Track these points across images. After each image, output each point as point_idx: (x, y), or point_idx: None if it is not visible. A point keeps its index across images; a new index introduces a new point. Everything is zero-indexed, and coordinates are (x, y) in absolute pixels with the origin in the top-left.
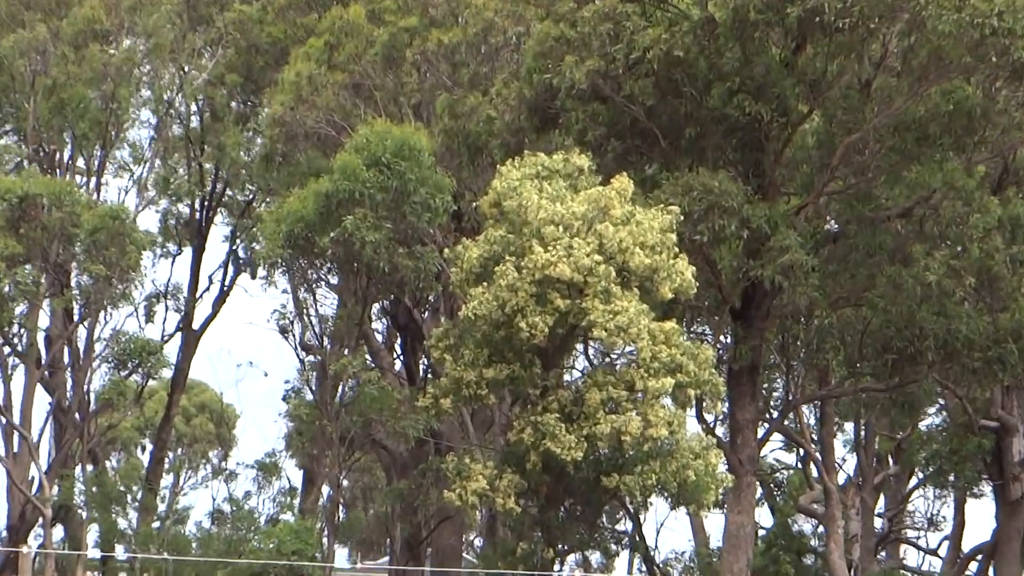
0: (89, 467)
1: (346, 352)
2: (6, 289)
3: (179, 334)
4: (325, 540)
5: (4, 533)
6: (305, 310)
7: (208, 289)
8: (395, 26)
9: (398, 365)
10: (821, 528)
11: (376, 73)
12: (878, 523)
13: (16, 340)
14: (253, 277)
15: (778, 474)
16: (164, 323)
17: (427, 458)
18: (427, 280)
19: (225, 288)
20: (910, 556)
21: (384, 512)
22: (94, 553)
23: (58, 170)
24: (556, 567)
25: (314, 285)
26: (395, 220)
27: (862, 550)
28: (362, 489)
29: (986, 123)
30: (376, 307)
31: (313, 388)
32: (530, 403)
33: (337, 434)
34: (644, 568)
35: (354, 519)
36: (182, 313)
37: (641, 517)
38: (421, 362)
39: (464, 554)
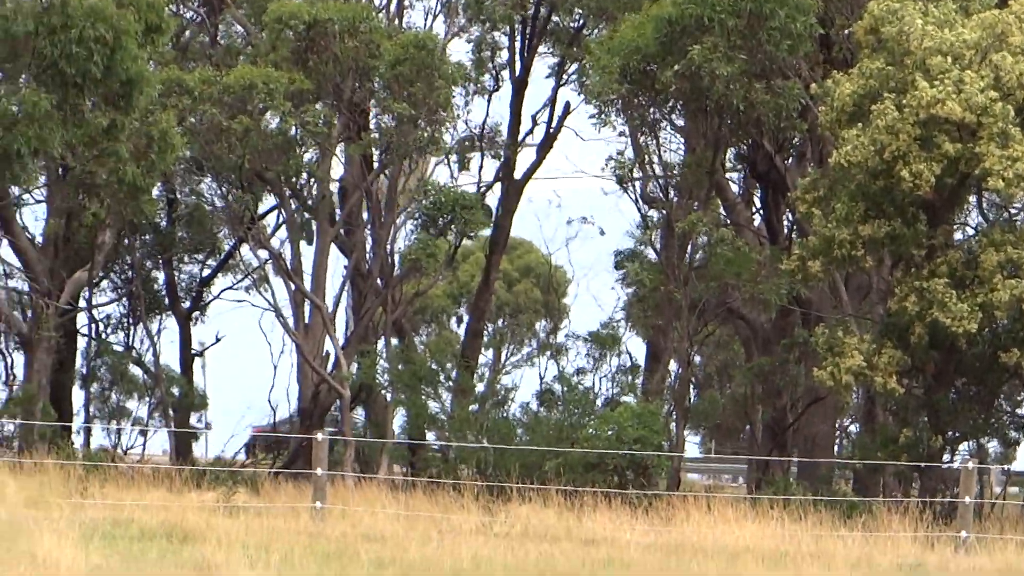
0: (394, 341)
1: (696, 206)
2: (292, 132)
3: (498, 185)
4: (673, 426)
5: (296, 417)
6: (646, 157)
7: (531, 132)
8: None
9: (757, 221)
10: None
11: None
12: None
13: (305, 193)
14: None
15: None
16: (480, 172)
17: (792, 330)
18: (790, 120)
19: (551, 131)
20: None
21: (742, 393)
22: (400, 440)
23: None
24: (945, 457)
25: (656, 127)
26: (750, 49)
27: None
28: (716, 367)
29: None
30: (730, 153)
31: (657, 248)
32: (914, 266)
33: (687, 302)
34: None
35: (707, 401)
36: (501, 160)
37: None
38: (784, 217)
39: (837, 442)
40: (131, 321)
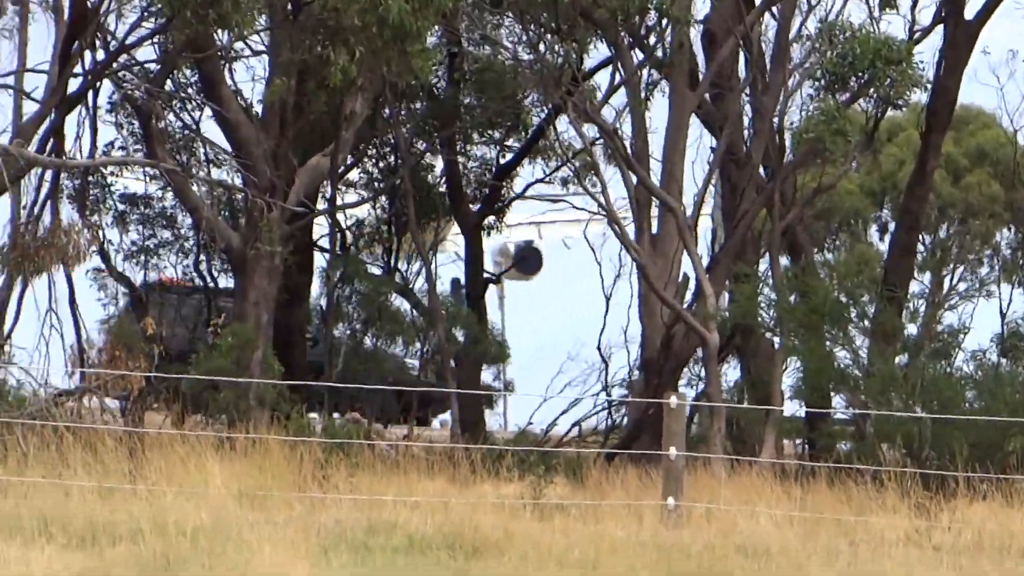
0: (784, 261)
1: None
2: None
3: (939, 29)
4: None
5: (638, 373)
6: None
7: None
8: None
9: None
10: None
11: None
12: None
13: (654, 41)
14: None
15: None
16: (914, 10)
17: None
18: None
19: None
20: None
21: None
22: (793, 407)
23: None
24: None
25: None
26: None
27: None
28: None
29: None
30: None
31: None
32: None
33: None
34: None
35: None
36: None
37: None
38: None
39: None
40: (394, 230)
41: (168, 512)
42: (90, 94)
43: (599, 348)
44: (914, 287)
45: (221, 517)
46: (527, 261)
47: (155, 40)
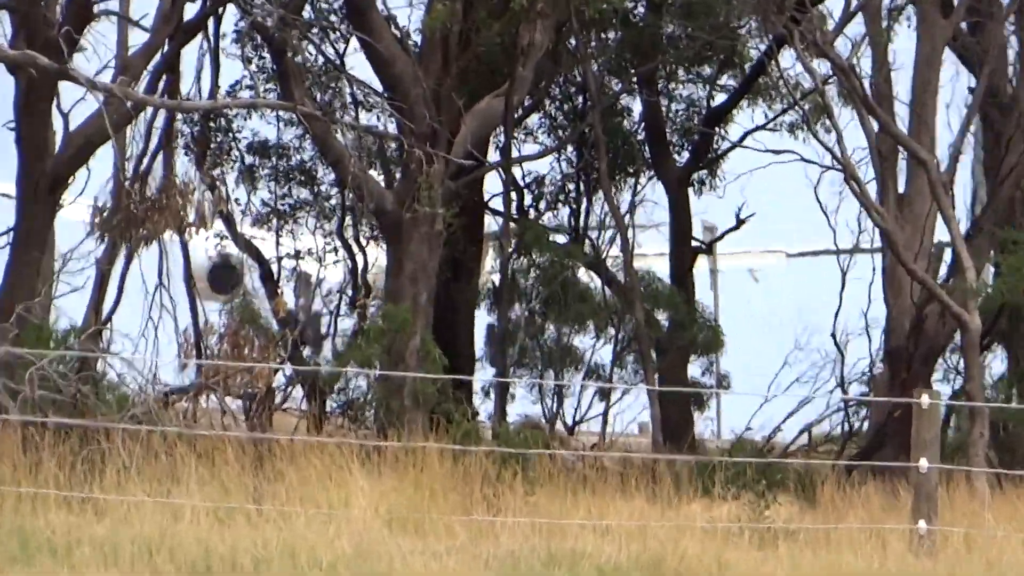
0: None
1: None
2: None
3: None
4: None
5: (880, 365)
6: None
7: None
8: None
9: None
10: None
11: None
12: None
13: None
14: None
15: None
16: None
17: None
18: None
19: None
20: None
21: None
22: None
23: None
24: None
25: None
26: None
27: None
28: None
29: None
30: None
31: None
32: None
33: None
34: None
35: None
36: None
37: None
38: None
39: None
40: (582, 189)
41: (301, 539)
42: (211, 22)
43: (833, 335)
44: None
45: (366, 545)
46: (741, 223)
47: None
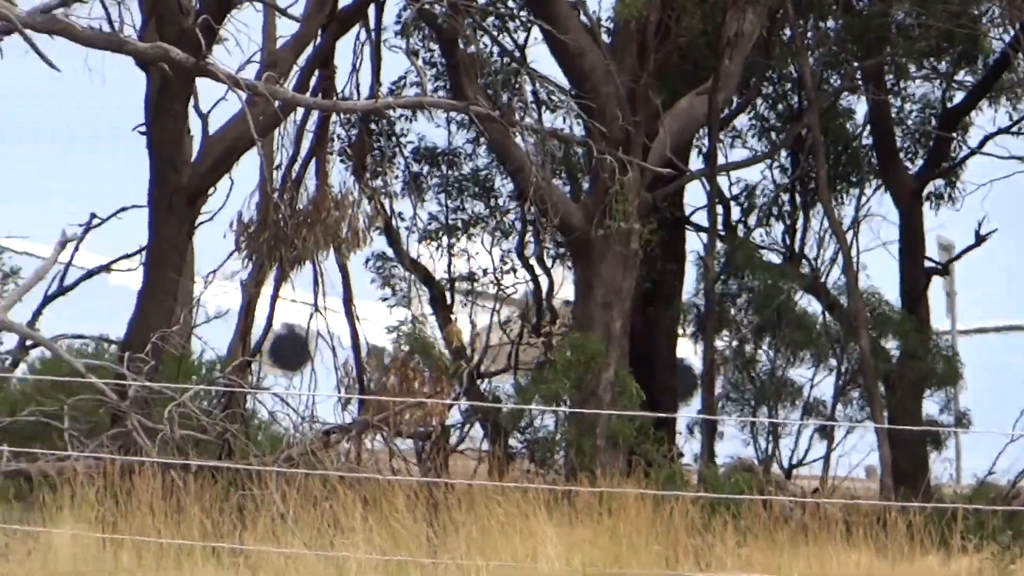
0: None
1: None
2: None
3: None
4: None
5: None
6: None
7: None
8: None
9: None
10: None
11: None
12: None
13: None
14: None
15: None
16: None
17: None
18: None
19: None
20: None
21: None
22: None
23: None
24: None
25: None
26: None
27: None
28: None
29: None
30: None
31: None
32: None
33: None
34: None
35: None
36: None
37: None
38: None
39: None
40: (798, 201)
41: None
42: (371, 9)
43: None
44: None
45: None
46: (981, 240)
47: None
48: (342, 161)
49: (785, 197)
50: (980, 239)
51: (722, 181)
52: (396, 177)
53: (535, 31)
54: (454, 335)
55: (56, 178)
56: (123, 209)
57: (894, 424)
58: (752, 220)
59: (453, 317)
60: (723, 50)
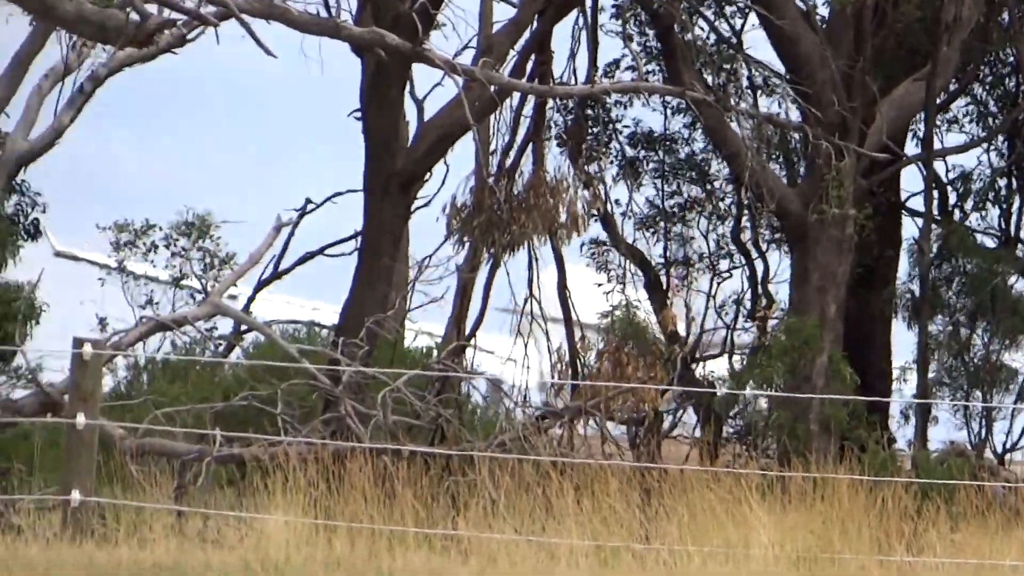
0: None
1: None
2: None
3: None
4: None
5: None
6: None
7: None
8: None
9: None
10: None
11: None
12: None
13: None
14: None
15: None
16: None
17: None
18: None
19: None
20: None
21: None
22: None
23: None
24: None
25: None
26: None
27: None
28: None
29: None
30: None
31: None
32: None
33: None
34: None
35: None
36: None
37: None
38: None
39: None
40: (1014, 185)
41: None
42: None
43: None
44: None
45: None
46: None
47: None
48: (558, 146)
49: (1002, 182)
50: None
51: (938, 166)
52: (611, 162)
53: (752, 17)
54: (669, 320)
55: (272, 164)
56: (337, 194)
57: None
58: (968, 205)
59: (669, 302)
60: (941, 35)
